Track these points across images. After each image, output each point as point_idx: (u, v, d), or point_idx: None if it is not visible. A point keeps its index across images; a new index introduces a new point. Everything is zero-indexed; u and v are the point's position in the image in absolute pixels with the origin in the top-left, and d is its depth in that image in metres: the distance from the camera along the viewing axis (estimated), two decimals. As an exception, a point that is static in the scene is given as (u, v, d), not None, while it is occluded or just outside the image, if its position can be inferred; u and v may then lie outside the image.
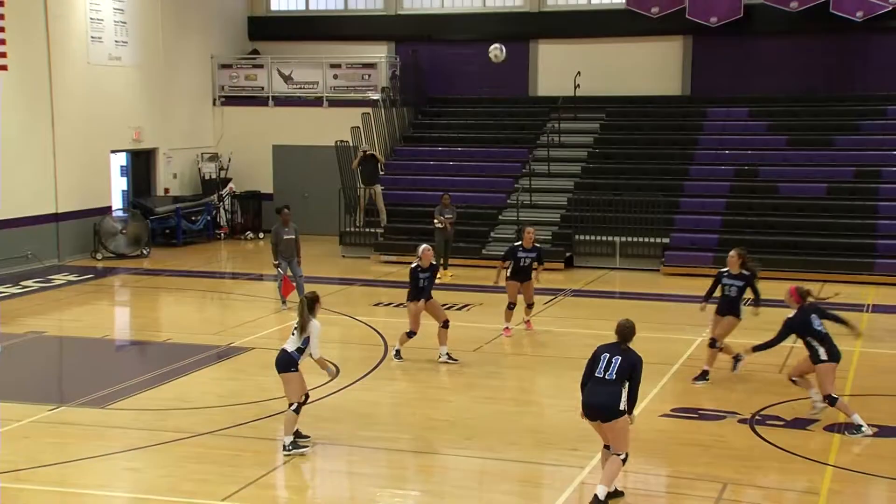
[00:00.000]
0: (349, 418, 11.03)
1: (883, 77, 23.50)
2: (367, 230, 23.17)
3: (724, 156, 23.02)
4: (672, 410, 11.05)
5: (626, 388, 8.43)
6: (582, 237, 21.52)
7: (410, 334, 13.46)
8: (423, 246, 13.67)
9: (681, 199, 22.01)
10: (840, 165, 21.94)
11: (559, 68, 25.50)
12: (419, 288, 13.35)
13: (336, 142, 23.87)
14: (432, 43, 26.60)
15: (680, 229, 21.29)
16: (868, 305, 17.22)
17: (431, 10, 26.92)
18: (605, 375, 8.39)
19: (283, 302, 16.68)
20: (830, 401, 10.54)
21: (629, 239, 20.91)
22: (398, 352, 13.62)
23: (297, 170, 26.06)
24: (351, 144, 23.86)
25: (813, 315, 10.69)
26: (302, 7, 27.95)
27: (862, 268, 19.40)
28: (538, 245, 15.25)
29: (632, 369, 8.43)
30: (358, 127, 24.21)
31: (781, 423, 10.86)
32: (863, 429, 10.39)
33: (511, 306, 14.91)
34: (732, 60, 24.64)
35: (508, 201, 23.10)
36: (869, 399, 11.71)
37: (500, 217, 22.82)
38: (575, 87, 24.69)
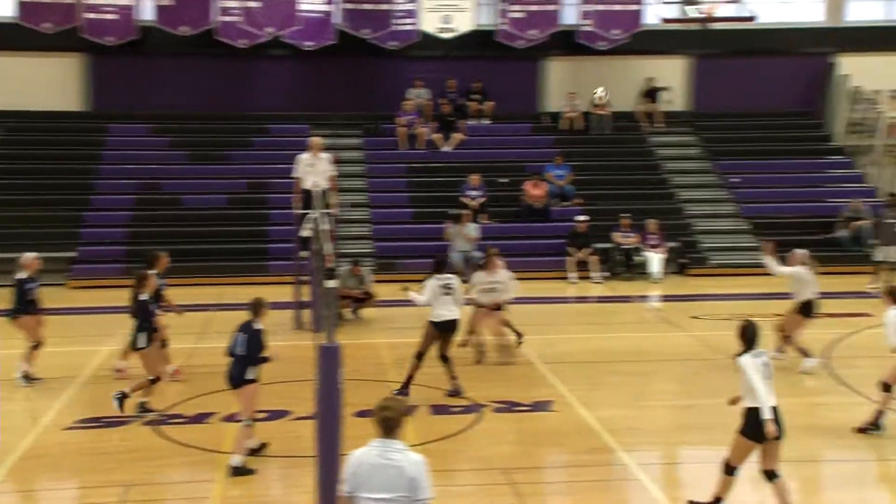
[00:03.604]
0: None
1: (267, 97, 24.79)
2: None
3: (129, 170, 22.64)
4: (76, 422, 10.54)
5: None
6: (-17, 256, 19.69)
7: (38, 346, 12.38)
8: (31, 254, 12.72)
9: (87, 213, 21.24)
10: (236, 178, 22.76)
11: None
12: (31, 300, 12.43)
13: None
14: None
15: (87, 242, 20.54)
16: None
17: None
18: (234, 351, 9.42)
19: None
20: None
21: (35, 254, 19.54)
22: (26, 374, 12.14)
23: None
24: None
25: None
26: None
27: (258, 270, 20.32)
28: None
29: (252, 341, 9.39)
30: None
31: (184, 419, 10.94)
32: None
33: None
34: (133, 78, 24.28)
35: None
36: (292, 386, 11.80)
37: None
38: (-34, 101, 22.55)
